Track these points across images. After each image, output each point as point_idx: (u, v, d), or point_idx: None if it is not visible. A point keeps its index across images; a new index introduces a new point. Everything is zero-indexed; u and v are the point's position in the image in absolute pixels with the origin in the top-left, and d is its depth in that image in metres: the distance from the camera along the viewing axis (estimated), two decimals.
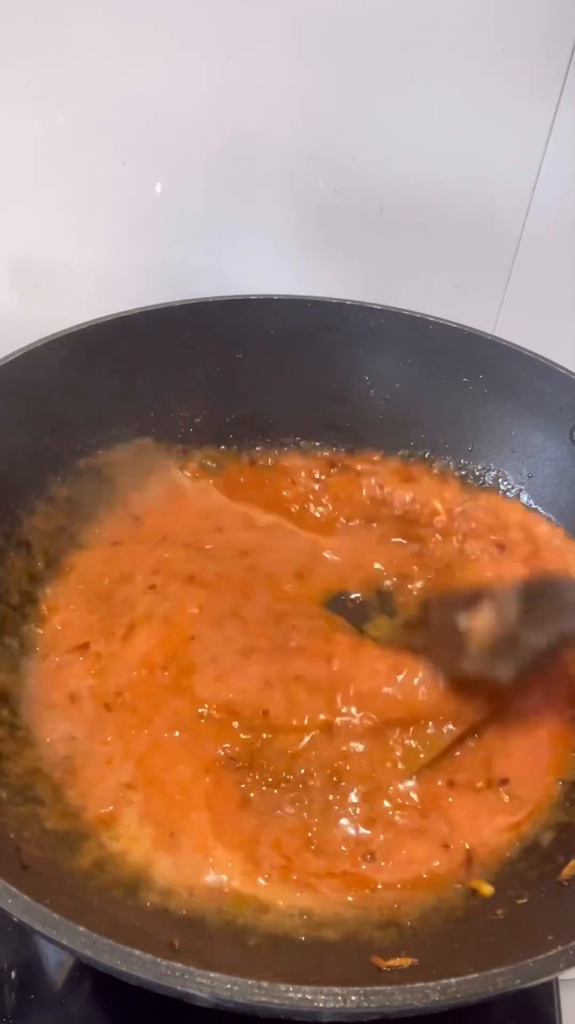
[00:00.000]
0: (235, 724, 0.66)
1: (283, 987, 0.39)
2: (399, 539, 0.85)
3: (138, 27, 0.83)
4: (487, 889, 0.58)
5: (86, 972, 0.64)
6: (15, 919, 0.42)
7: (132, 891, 0.56)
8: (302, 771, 0.63)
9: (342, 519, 0.87)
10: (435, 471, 0.89)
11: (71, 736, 0.65)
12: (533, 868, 0.59)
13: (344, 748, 0.65)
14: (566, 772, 0.66)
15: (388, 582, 0.81)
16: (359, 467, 0.89)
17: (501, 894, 0.58)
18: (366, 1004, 0.39)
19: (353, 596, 0.79)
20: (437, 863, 0.59)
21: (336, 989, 0.39)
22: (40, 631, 0.72)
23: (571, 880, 0.56)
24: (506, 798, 0.63)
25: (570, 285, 0.96)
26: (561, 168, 0.88)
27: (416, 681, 0.67)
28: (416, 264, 0.98)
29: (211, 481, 0.88)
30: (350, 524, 0.87)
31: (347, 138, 0.89)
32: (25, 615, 0.72)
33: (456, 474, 0.88)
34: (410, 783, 0.64)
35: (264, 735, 0.65)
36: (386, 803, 0.62)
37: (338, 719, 0.66)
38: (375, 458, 0.90)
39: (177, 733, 0.65)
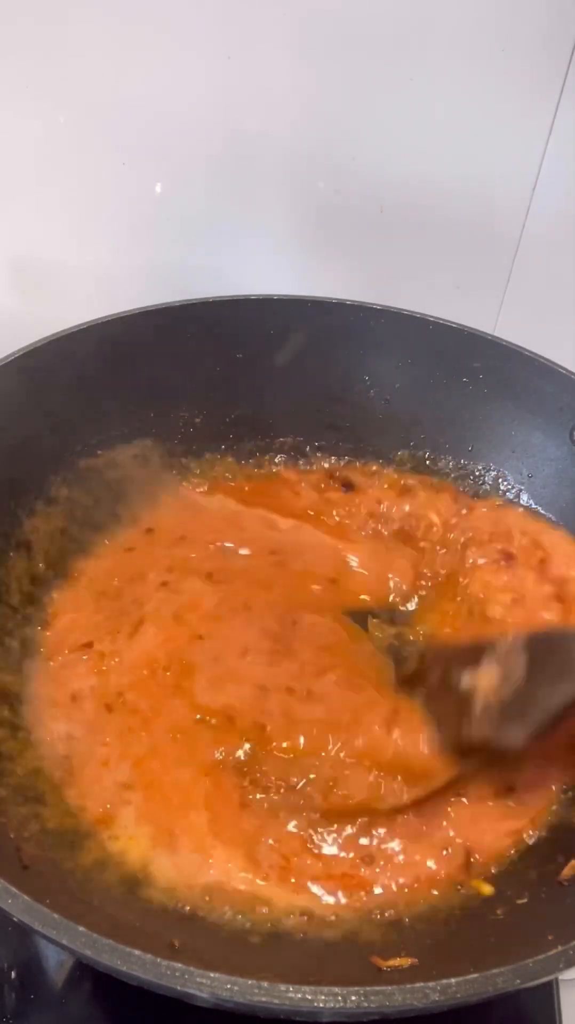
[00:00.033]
0: (233, 728, 0.65)
1: (283, 987, 0.39)
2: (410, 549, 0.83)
3: (138, 27, 0.83)
4: (487, 889, 0.58)
5: (86, 972, 0.64)
6: (15, 919, 0.42)
7: (132, 891, 0.56)
8: (301, 777, 0.63)
9: (355, 528, 0.85)
10: (436, 479, 0.88)
11: (70, 736, 0.65)
12: (533, 868, 0.59)
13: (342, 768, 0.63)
14: (571, 779, 0.65)
15: (403, 598, 0.78)
16: (355, 480, 0.88)
17: (501, 894, 0.58)
18: (366, 1004, 0.39)
19: (377, 609, 0.77)
20: (437, 865, 0.59)
21: (336, 989, 0.39)
22: (47, 633, 0.72)
23: (571, 880, 0.56)
24: (510, 804, 0.63)
25: (570, 285, 0.96)
26: (561, 168, 0.88)
27: (415, 742, 0.62)
28: (416, 264, 0.98)
29: (220, 496, 0.87)
30: (363, 533, 0.85)
31: (347, 138, 0.89)
32: (27, 616, 0.72)
33: (456, 477, 0.88)
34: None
35: (261, 745, 0.64)
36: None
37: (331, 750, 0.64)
38: (373, 468, 0.90)
39: (176, 736, 0.65)
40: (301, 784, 0.62)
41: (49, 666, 0.69)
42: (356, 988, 0.39)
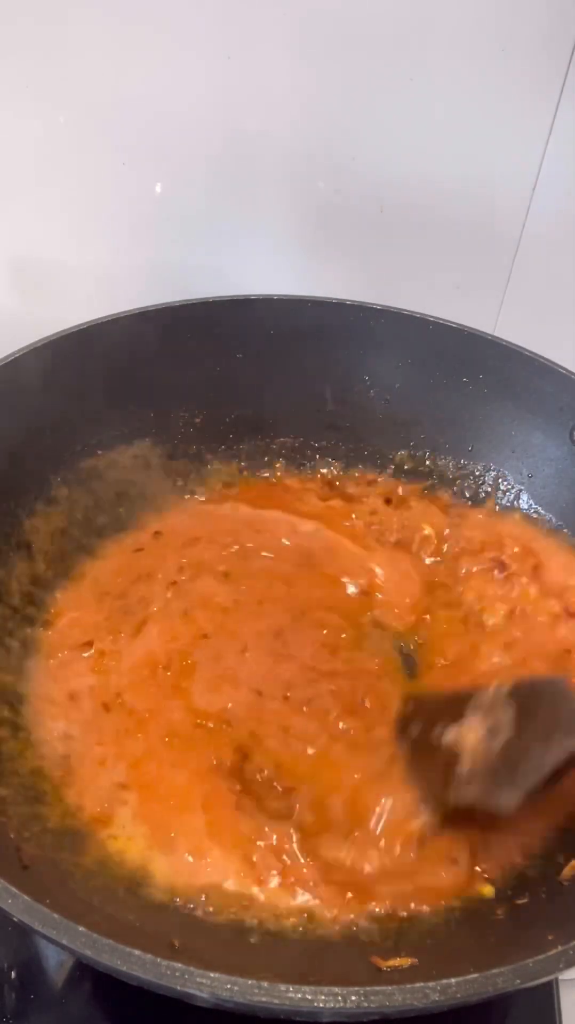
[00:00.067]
0: (229, 733, 0.65)
1: (283, 987, 0.39)
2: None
3: (138, 27, 0.83)
4: (487, 889, 0.58)
5: (86, 972, 0.64)
6: (15, 919, 0.42)
7: (132, 891, 0.56)
8: (296, 784, 0.63)
9: (365, 535, 0.84)
10: (430, 489, 0.88)
11: (68, 735, 0.65)
12: (533, 868, 0.59)
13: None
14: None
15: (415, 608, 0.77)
16: (351, 490, 0.88)
17: (501, 894, 0.58)
18: (366, 1004, 0.39)
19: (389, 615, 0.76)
20: (436, 866, 0.59)
21: (336, 989, 0.39)
22: (48, 633, 0.72)
23: (571, 880, 0.56)
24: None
25: (570, 285, 0.96)
26: (561, 168, 0.88)
27: (401, 814, 0.58)
28: (416, 264, 0.98)
29: (230, 504, 0.87)
30: (373, 541, 0.84)
31: (347, 138, 0.89)
32: (28, 617, 0.72)
33: (455, 477, 0.88)
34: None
35: (256, 752, 0.65)
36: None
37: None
38: (369, 477, 0.90)
39: (173, 740, 0.65)
40: (295, 793, 0.62)
41: (49, 665, 0.69)
42: (356, 988, 0.39)
